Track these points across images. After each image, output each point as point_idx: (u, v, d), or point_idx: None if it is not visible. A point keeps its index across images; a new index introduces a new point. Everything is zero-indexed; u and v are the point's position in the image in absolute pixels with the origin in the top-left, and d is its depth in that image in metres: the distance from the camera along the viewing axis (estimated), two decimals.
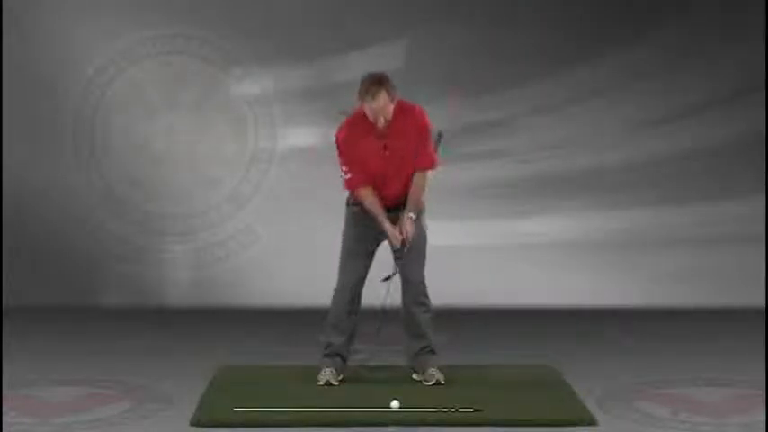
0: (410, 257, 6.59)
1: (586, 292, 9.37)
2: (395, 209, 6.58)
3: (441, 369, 6.68)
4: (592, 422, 5.97)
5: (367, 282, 6.68)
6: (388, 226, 6.50)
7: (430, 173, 6.59)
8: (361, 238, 6.64)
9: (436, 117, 9.46)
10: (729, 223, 9.53)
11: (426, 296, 6.69)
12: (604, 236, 9.59)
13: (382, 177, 6.52)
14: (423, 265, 6.67)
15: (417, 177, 6.55)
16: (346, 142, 6.48)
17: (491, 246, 9.53)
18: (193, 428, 5.89)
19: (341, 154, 6.49)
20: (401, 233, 6.50)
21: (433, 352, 6.73)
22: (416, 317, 6.67)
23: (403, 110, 6.47)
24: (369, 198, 6.51)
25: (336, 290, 6.69)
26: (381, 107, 6.36)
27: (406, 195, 6.56)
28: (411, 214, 6.51)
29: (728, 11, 9.53)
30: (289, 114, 9.33)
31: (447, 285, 8.91)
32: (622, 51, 9.55)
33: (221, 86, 9.52)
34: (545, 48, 9.54)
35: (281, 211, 9.36)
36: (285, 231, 9.34)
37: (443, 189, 9.42)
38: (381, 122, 6.40)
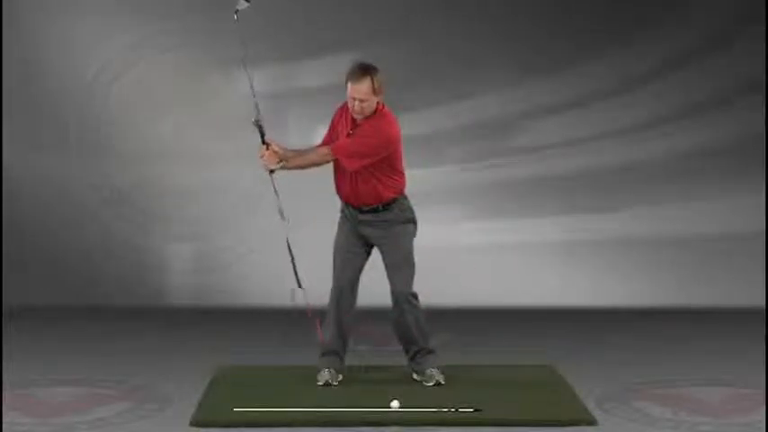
0: (394, 267, 6.60)
1: (586, 292, 9.37)
2: (367, 211, 6.59)
3: (441, 369, 6.68)
4: (592, 422, 5.97)
5: (366, 283, 6.69)
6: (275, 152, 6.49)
7: (328, 154, 6.52)
8: (351, 240, 6.67)
9: (436, 116, 9.55)
10: (729, 223, 9.53)
11: (410, 303, 6.63)
12: (604, 236, 9.59)
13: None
14: (408, 273, 6.62)
15: (322, 148, 6.55)
16: (335, 114, 6.64)
17: (491, 246, 9.54)
18: (193, 428, 5.89)
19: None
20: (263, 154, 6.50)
21: (431, 352, 6.73)
22: (405, 324, 6.66)
23: (378, 115, 6.49)
24: (313, 149, 6.59)
25: (331, 291, 6.70)
26: (361, 93, 6.38)
27: (374, 200, 6.56)
28: (282, 163, 6.50)
29: (728, 11, 9.53)
30: (300, 113, 9.31)
31: (447, 285, 8.96)
32: (622, 52, 9.55)
33: (231, 84, 9.51)
34: (544, 49, 9.54)
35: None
36: (285, 231, 9.32)
37: (444, 190, 9.49)
38: (357, 110, 6.43)
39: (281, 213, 6.55)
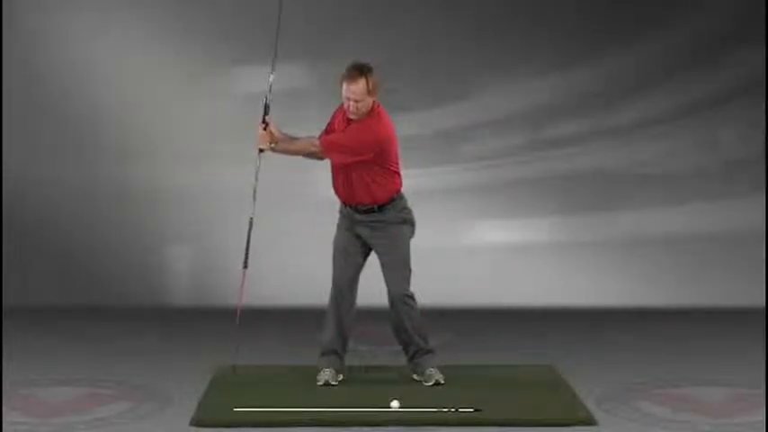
0: (390, 268, 6.61)
1: (586, 292, 9.37)
2: (363, 211, 6.60)
3: (440, 369, 6.68)
4: (592, 422, 5.98)
5: (366, 283, 6.70)
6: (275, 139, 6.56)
7: (316, 145, 6.56)
8: (349, 240, 6.67)
9: (437, 116, 9.55)
10: (729, 223, 9.54)
11: (407, 304, 6.65)
12: (604, 236, 9.59)
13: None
14: (404, 275, 6.64)
15: (312, 139, 6.58)
16: (333, 113, 6.66)
17: (491, 246, 9.54)
18: (193, 428, 5.90)
19: None
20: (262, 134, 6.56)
21: (430, 352, 6.73)
22: (402, 325, 6.67)
23: (371, 115, 6.50)
24: (304, 138, 6.62)
25: (330, 291, 6.71)
26: (356, 93, 6.41)
27: (369, 199, 6.57)
28: (273, 145, 6.54)
29: (729, 11, 9.53)
30: (304, 113, 9.29)
31: (447, 285, 8.96)
32: (622, 52, 9.55)
33: (231, 84, 9.51)
34: (544, 49, 9.55)
35: (282, 211, 9.35)
36: (286, 231, 9.33)
37: (444, 190, 9.49)
38: (352, 110, 6.46)
39: (254, 195, 6.59)
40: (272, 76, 6.62)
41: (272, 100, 6.60)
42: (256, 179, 6.61)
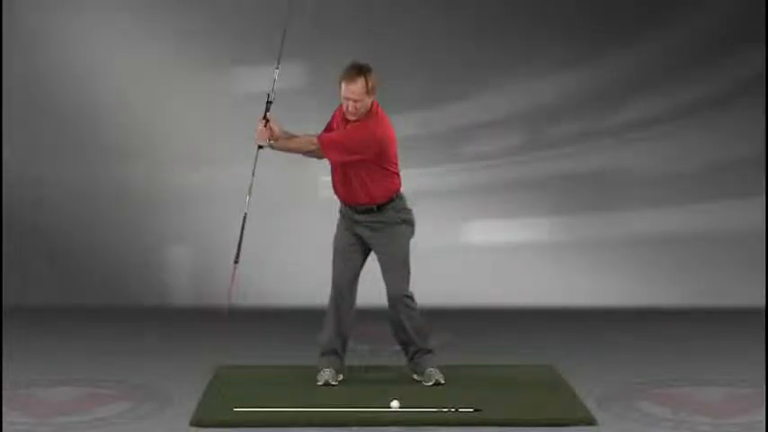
0: (389, 269, 6.61)
1: (586, 292, 9.37)
2: (362, 211, 6.60)
3: (440, 369, 6.68)
4: (592, 422, 5.98)
5: (365, 283, 6.69)
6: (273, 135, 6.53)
7: (314, 143, 6.53)
8: (349, 240, 6.67)
9: (437, 116, 9.55)
10: (729, 223, 9.53)
11: (406, 304, 6.64)
12: (604, 236, 9.59)
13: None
14: (403, 275, 6.63)
15: (310, 137, 6.55)
16: (332, 115, 6.65)
17: (491, 246, 9.53)
18: (193, 428, 5.90)
19: None
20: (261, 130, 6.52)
21: (429, 352, 6.73)
22: (401, 325, 6.67)
23: (370, 115, 6.50)
24: (303, 135, 6.59)
25: (330, 290, 6.71)
26: (355, 93, 6.40)
27: (367, 199, 6.57)
28: (272, 141, 6.50)
29: (729, 11, 9.53)
30: (304, 113, 9.28)
31: (447, 285, 8.96)
32: (622, 52, 9.55)
33: (234, 84, 9.51)
34: (544, 49, 9.55)
35: (281, 211, 9.35)
36: (285, 231, 9.33)
37: (444, 190, 9.49)
38: (351, 110, 6.45)
39: (250, 190, 6.59)
40: (276, 72, 6.60)
41: (275, 98, 6.59)
42: (253, 175, 6.60)
